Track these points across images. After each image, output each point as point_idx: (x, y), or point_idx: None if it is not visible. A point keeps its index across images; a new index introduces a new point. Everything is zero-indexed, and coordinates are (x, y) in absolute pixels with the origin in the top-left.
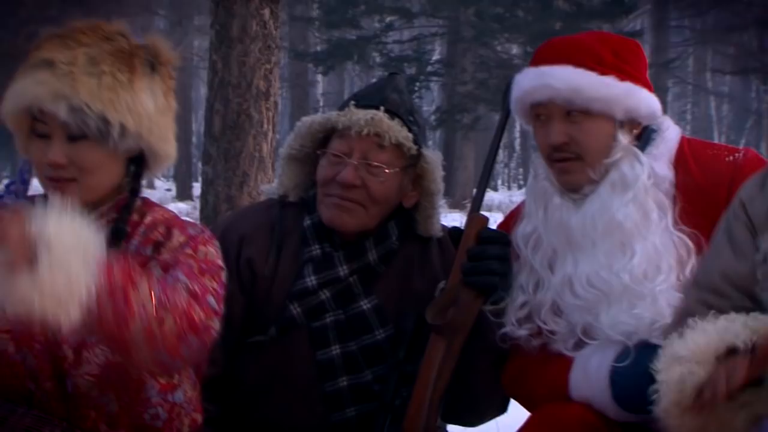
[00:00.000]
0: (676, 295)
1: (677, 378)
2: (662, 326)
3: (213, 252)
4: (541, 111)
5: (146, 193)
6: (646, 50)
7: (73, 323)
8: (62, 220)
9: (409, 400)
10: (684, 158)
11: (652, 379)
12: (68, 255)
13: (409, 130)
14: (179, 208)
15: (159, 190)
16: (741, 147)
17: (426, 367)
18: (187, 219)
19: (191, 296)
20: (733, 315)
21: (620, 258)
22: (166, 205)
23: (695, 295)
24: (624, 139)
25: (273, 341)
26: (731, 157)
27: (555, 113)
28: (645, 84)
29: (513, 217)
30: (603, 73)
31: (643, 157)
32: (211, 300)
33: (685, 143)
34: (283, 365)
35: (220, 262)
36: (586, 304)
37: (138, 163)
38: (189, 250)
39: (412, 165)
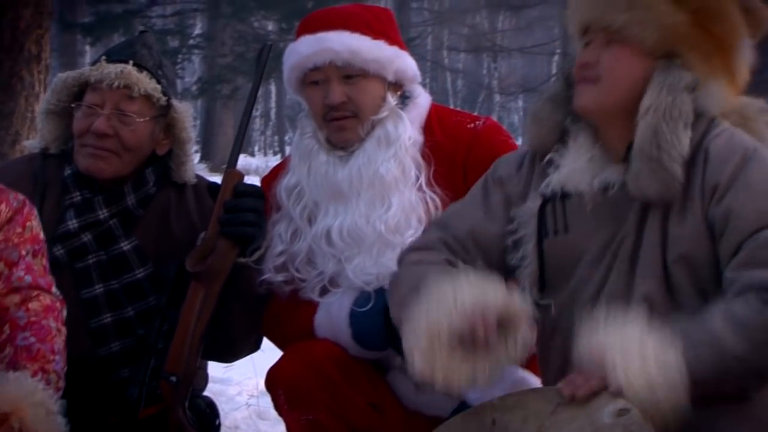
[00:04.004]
0: None
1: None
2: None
3: (36, 225)
4: (319, 76)
5: None
6: None
7: None
8: None
9: (171, 343)
10: (431, 124)
11: (384, 322)
12: None
13: (158, 82)
14: None
15: None
16: (483, 116)
17: (187, 312)
18: None
19: (47, 313)
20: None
21: (378, 209)
22: None
23: (438, 234)
24: (392, 99)
25: None
26: (472, 125)
27: (333, 76)
28: (404, 49)
29: (279, 170)
30: (375, 37)
31: (405, 118)
32: (54, 290)
33: (433, 110)
34: None
35: (42, 235)
36: (337, 253)
37: None
38: (19, 229)
39: (163, 115)
